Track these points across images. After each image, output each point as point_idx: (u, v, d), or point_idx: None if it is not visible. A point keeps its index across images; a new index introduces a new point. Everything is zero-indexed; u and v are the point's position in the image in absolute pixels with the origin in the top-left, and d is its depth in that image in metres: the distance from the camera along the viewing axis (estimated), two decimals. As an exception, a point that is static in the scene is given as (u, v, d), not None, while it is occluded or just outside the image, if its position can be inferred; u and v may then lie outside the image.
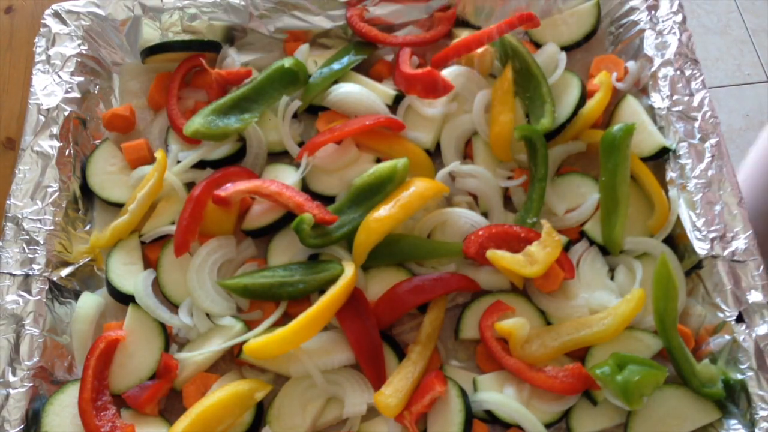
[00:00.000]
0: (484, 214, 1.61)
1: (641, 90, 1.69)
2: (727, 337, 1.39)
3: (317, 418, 1.43)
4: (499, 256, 1.46)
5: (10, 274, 1.51)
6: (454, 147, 1.68)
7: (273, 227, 1.60)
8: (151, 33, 1.83)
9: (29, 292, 1.50)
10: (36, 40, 1.79)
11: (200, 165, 1.69)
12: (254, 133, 1.70)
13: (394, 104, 1.74)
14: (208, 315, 1.51)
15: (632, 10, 1.77)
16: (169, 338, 1.50)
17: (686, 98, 1.60)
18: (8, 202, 1.59)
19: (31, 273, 1.52)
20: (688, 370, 1.38)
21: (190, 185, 1.67)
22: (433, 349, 1.47)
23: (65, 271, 1.57)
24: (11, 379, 1.41)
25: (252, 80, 1.74)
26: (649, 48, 1.70)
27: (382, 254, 1.51)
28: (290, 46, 1.84)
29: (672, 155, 1.58)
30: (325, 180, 1.66)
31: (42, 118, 1.68)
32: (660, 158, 1.60)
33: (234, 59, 1.82)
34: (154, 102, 1.80)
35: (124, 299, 1.54)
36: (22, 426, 1.38)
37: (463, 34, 1.76)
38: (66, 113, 1.70)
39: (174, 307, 1.54)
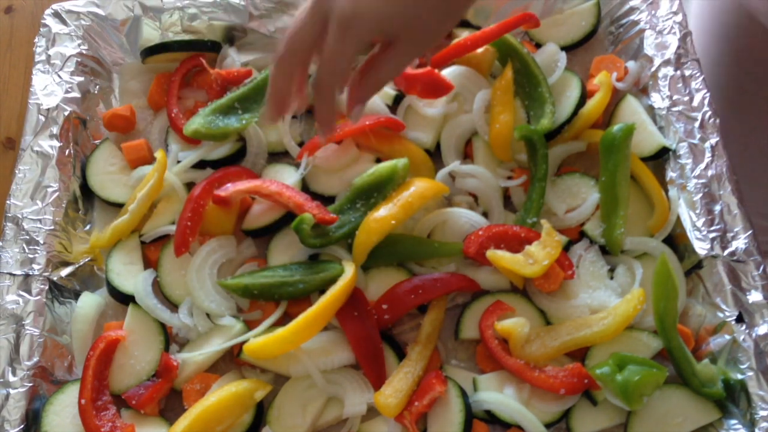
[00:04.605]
0: (484, 214, 1.61)
1: (641, 90, 1.69)
2: (727, 337, 1.39)
3: (317, 418, 1.42)
4: (499, 256, 1.46)
5: (10, 274, 1.51)
6: (454, 147, 1.68)
7: (273, 227, 1.60)
8: (151, 33, 1.83)
9: (29, 292, 1.50)
10: (36, 40, 1.79)
11: (200, 165, 1.69)
12: (254, 133, 1.70)
13: (394, 104, 1.74)
14: (208, 315, 1.51)
15: (632, 9, 1.77)
16: (169, 338, 1.50)
17: (686, 98, 1.60)
18: (8, 202, 1.59)
19: (31, 273, 1.52)
20: (688, 370, 1.38)
21: (190, 185, 1.67)
22: (433, 349, 1.47)
23: (65, 271, 1.57)
24: (11, 379, 1.41)
25: (252, 80, 1.74)
26: (649, 48, 1.69)
27: (382, 254, 1.51)
28: (290, 46, 1.84)
29: (672, 155, 1.58)
30: (325, 180, 1.66)
31: (42, 118, 1.68)
32: (660, 158, 1.60)
33: (234, 59, 1.82)
34: (154, 102, 1.80)
35: (124, 299, 1.54)
36: (22, 426, 1.38)
37: (463, 34, 1.76)
38: (66, 113, 1.70)
39: (174, 307, 1.54)
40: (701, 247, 1.46)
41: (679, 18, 1.70)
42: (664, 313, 1.38)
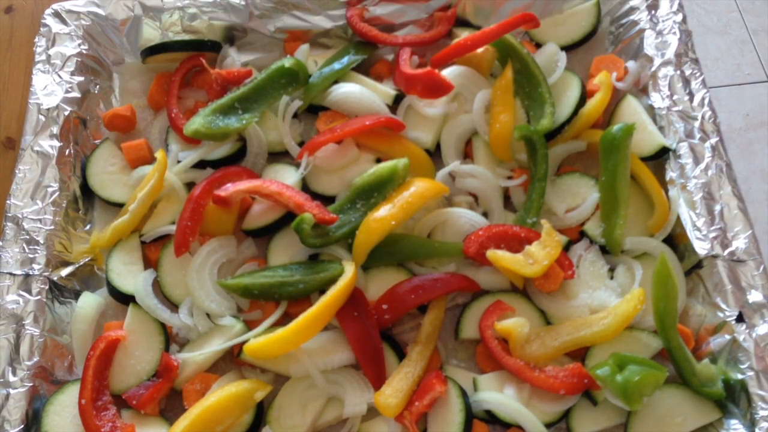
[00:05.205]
0: (484, 214, 1.61)
1: (641, 90, 1.69)
2: (727, 336, 1.39)
3: (317, 418, 1.43)
4: (499, 256, 1.46)
5: (10, 274, 1.51)
6: (454, 147, 1.68)
7: (273, 227, 1.60)
8: (151, 33, 1.83)
9: (29, 292, 1.50)
10: (36, 39, 1.79)
11: (200, 165, 1.69)
12: (254, 133, 1.70)
13: (394, 104, 1.74)
14: (208, 315, 1.51)
15: (632, 9, 1.77)
16: (169, 338, 1.50)
17: (686, 98, 1.60)
18: (8, 202, 1.59)
19: (31, 273, 1.52)
20: (688, 370, 1.38)
21: (190, 185, 1.67)
22: (433, 349, 1.47)
23: (65, 271, 1.57)
24: (11, 379, 1.41)
25: (252, 80, 1.74)
26: (649, 48, 1.69)
27: (382, 254, 1.51)
28: (290, 46, 1.84)
29: (672, 155, 1.58)
30: (326, 180, 1.66)
31: (42, 117, 1.68)
32: (660, 158, 1.60)
33: (234, 59, 1.82)
34: (154, 102, 1.80)
35: (125, 299, 1.54)
36: (22, 426, 1.38)
37: (463, 34, 1.76)
38: (66, 113, 1.70)
39: (174, 307, 1.54)
40: (701, 247, 1.46)
41: (679, 18, 1.70)
42: (664, 313, 1.38)
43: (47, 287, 1.52)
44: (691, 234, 1.48)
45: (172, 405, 1.48)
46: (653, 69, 1.66)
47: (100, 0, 1.83)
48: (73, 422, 1.41)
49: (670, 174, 1.57)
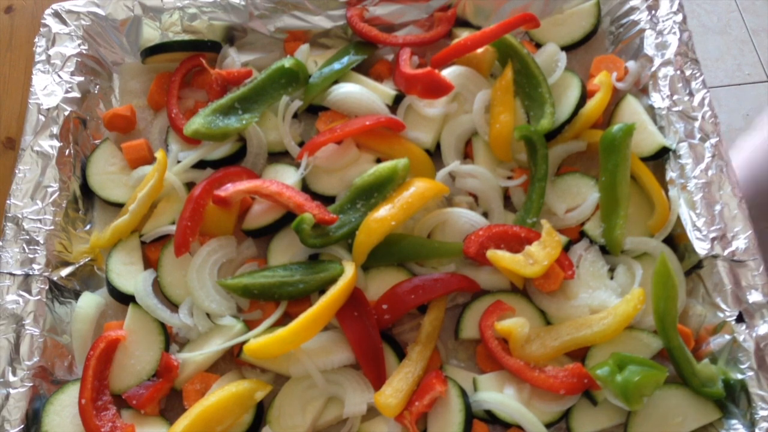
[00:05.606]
0: (484, 214, 1.61)
1: (641, 90, 1.69)
2: (727, 336, 1.39)
3: (317, 418, 1.43)
4: (499, 256, 1.46)
5: (10, 274, 1.51)
6: (454, 147, 1.68)
7: (273, 227, 1.60)
8: (151, 33, 1.84)
9: (29, 292, 1.50)
10: (36, 39, 1.79)
11: (200, 165, 1.69)
12: (254, 133, 1.70)
13: (394, 104, 1.74)
14: (208, 315, 1.51)
15: (632, 9, 1.77)
16: (169, 338, 1.50)
17: (686, 98, 1.60)
18: (8, 202, 1.59)
19: (31, 273, 1.52)
20: (688, 370, 1.38)
21: (190, 185, 1.68)
22: (433, 349, 1.47)
23: (65, 271, 1.58)
24: (11, 378, 1.42)
25: (252, 80, 1.74)
26: (649, 48, 1.70)
27: (382, 254, 1.51)
28: (290, 46, 1.84)
29: (672, 155, 1.58)
30: (326, 180, 1.66)
31: (42, 118, 1.68)
32: (660, 158, 1.60)
33: (234, 59, 1.82)
34: (154, 102, 1.80)
35: (125, 299, 1.54)
36: (22, 426, 1.38)
37: (463, 34, 1.76)
38: (66, 113, 1.70)
39: (174, 307, 1.54)
40: (701, 247, 1.46)
41: (679, 18, 1.70)
42: (664, 313, 1.38)
43: (47, 287, 1.52)
44: (691, 234, 1.48)
45: (172, 405, 1.48)
46: (653, 69, 1.66)
47: (100, 0, 1.83)
48: (73, 422, 1.41)
49: (670, 174, 1.57)
